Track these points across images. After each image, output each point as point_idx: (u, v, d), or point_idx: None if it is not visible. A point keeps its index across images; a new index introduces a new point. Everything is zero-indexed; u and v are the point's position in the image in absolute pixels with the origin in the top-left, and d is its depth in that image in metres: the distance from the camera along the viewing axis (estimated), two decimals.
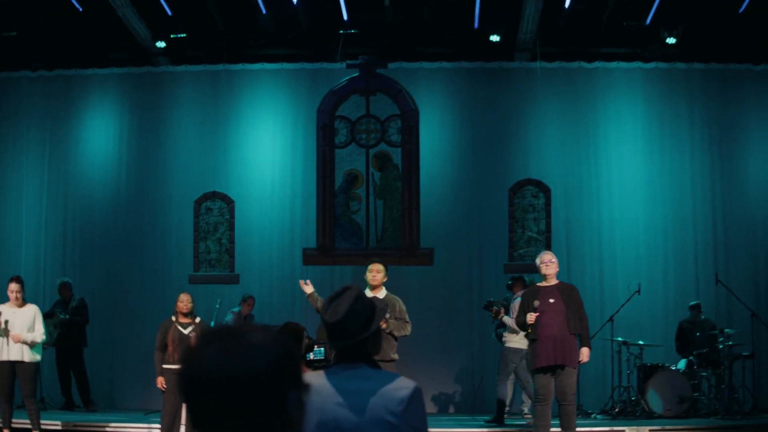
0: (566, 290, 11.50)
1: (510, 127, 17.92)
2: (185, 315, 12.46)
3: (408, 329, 11.30)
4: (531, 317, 11.22)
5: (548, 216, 17.68)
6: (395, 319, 11.15)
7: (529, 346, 11.69)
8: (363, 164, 17.97)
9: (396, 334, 11.15)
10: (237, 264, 18.01)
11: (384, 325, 10.93)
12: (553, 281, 11.51)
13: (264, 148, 18.19)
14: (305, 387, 2.16)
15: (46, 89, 18.75)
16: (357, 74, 18.06)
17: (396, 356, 11.23)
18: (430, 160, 17.94)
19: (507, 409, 14.75)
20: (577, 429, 12.38)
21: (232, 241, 18.06)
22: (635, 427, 13.18)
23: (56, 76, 18.80)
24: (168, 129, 18.47)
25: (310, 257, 17.67)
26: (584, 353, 11.34)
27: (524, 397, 15.64)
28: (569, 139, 17.84)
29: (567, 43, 18.06)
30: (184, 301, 12.54)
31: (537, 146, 17.86)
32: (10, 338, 12.42)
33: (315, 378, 3.86)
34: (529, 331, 11.32)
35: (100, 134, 18.59)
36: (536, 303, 11.28)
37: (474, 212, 17.75)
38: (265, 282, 17.75)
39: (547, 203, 17.70)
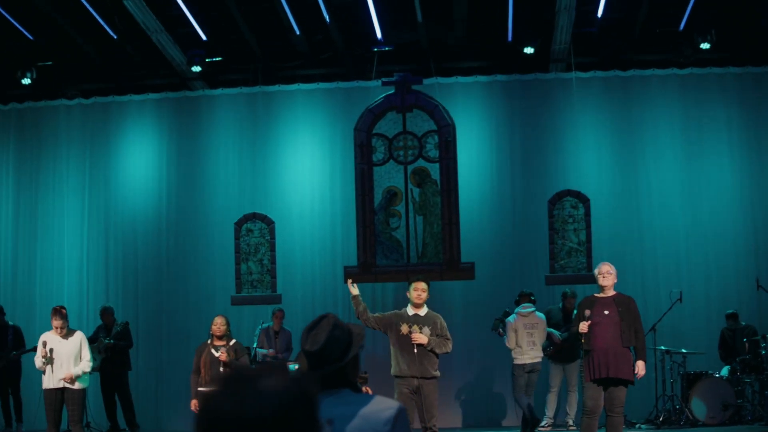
0: (623, 302, 11.38)
1: (547, 139, 17.92)
2: (219, 338, 12.52)
3: (449, 346, 11.28)
4: (583, 326, 11.15)
5: (588, 226, 17.63)
6: (436, 335, 11.15)
7: (583, 357, 11.64)
8: (401, 181, 18.01)
9: (437, 351, 11.14)
10: (279, 284, 18.07)
11: (422, 341, 10.97)
12: (611, 292, 11.40)
13: (302, 168, 18.27)
14: (320, 429, 2.19)
15: (83, 117, 18.93)
16: (392, 91, 18.10)
17: (437, 373, 11.24)
18: (468, 174, 17.94)
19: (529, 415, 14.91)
20: None
21: (273, 261, 18.13)
22: None
23: (93, 103, 18.97)
24: (206, 152, 18.59)
25: (351, 275, 17.62)
26: (639, 366, 11.25)
27: (568, 408, 15.66)
28: (607, 149, 17.83)
29: (601, 52, 18.03)
30: (218, 324, 12.61)
31: (575, 156, 17.84)
32: (54, 366, 12.54)
33: None
34: (583, 341, 11.24)
35: (139, 160, 18.74)
36: (587, 313, 11.20)
37: (514, 225, 17.75)
38: (308, 301, 17.79)
39: (587, 213, 17.65)
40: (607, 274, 11.38)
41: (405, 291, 17.23)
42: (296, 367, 15.24)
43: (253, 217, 18.22)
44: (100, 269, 18.51)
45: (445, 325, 11.36)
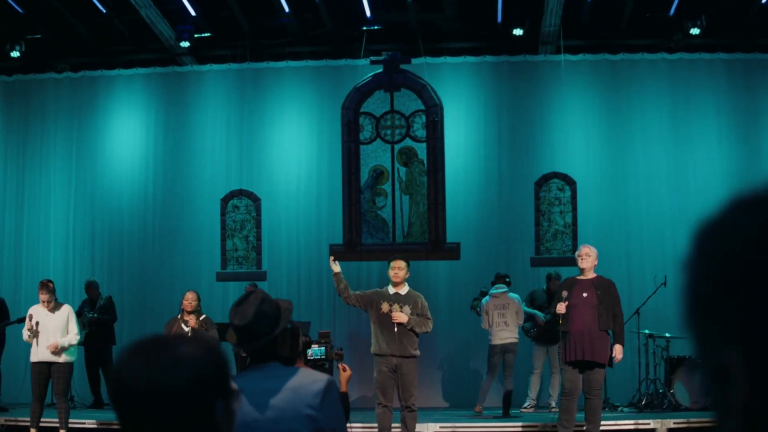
0: (603, 285, 11.35)
1: (535, 121, 17.90)
2: (190, 313, 12.57)
3: (429, 325, 11.33)
4: (560, 307, 11.15)
5: (574, 209, 17.65)
6: (417, 315, 11.18)
7: (561, 338, 11.63)
8: (388, 160, 18.00)
9: (417, 330, 11.18)
10: (264, 261, 18.09)
11: (402, 320, 11.01)
12: (591, 275, 11.36)
13: (289, 146, 18.25)
14: (234, 396, 2.19)
15: (72, 91, 18.88)
16: (381, 70, 18.07)
17: (417, 352, 11.28)
18: (455, 155, 17.93)
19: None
20: (604, 422, 12.43)
21: (258, 238, 18.13)
22: (660, 420, 13.15)
23: (82, 77, 18.92)
24: (194, 128, 18.55)
25: (336, 253, 17.54)
26: (617, 350, 11.23)
27: (551, 390, 15.70)
28: (595, 132, 17.82)
29: (591, 35, 18.02)
30: (189, 299, 12.71)
31: (562, 139, 17.83)
32: (40, 339, 12.55)
33: None
34: (560, 322, 11.25)
35: (126, 134, 18.70)
36: (564, 293, 11.20)
37: (500, 206, 17.74)
38: (293, 278, 17.81)
39: (573, 196, 17.67)
40: (585, 256, 11.36)
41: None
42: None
43: (240, 193, 18.21)
44: (86, 243, 18.50)
45: (426, 304, 11.39)
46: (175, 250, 18.20)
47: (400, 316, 11.05)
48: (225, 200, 18.20)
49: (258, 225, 18.15)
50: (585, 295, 11.14)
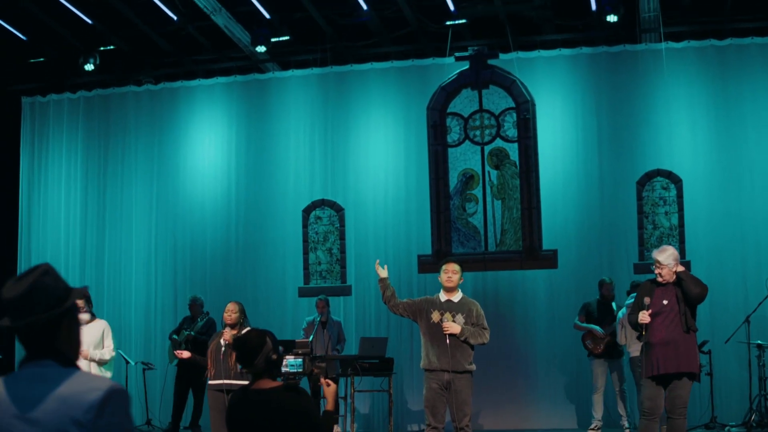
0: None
1: (636, 115, 16.56)
2: (232, 326, 11.25)
3: (486, 336, 10.21)
4: (643, 317, 9.85)
5: (681, 209, 16.24)
6: (471, 324, 10.09)
7: (643, 351, 10.28)
8: (478, 163, 16.87)
9: (471, 341, 10.07)
10: (349, 274, 17.13)
11: (455, 331, 9.91)
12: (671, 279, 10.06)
13: (374, 152, 17.31)
14: None
15: (152, 103, 18.43)
16: (467, 67, 16.97)
17: (472, 366, 10.17)
18: (550, 155, 16.72)
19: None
20: None
21: (342, 250, 17.18)
22: None
23: (162, 89, 18.41)
24: (276, 136, 17.80)
25: (425, 264, 16.66)
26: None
27: (620, 409, 14.36)
28: (702, 125, 16.39)
29: (694, 21, 16.70)
30: (230, 311, 11.33)
31: (666, 134, 16.45)
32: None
33: None
34: (643, 333, 9.96)
35: (208, 145, 18.10)
36: (647, 300, 9.91)
37: (599, 208, 16.45)
38: (380, 292, 16.74)
39: (679, 195, 16.27)
40: (657, 267, 10.00)
41: (483, 282, 16.30)
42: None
43: (322, 203, 17.32)
44: (167, 258, 17.90)
45: (482, 313, 10.31)
46: (258, 264, 17.43)
47: (453, 326, 9.99)
48: (307, 211, 17.32)
49: (342, 236, 17.21)
50: (666, 302, 9.84)
